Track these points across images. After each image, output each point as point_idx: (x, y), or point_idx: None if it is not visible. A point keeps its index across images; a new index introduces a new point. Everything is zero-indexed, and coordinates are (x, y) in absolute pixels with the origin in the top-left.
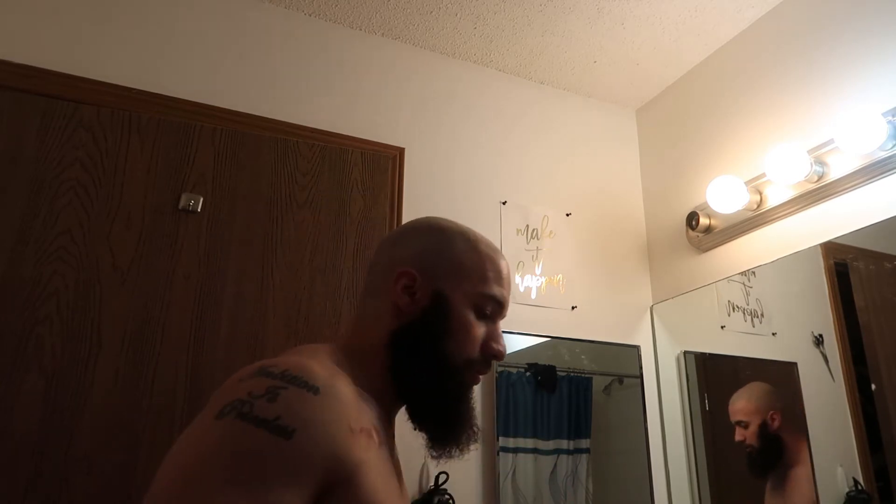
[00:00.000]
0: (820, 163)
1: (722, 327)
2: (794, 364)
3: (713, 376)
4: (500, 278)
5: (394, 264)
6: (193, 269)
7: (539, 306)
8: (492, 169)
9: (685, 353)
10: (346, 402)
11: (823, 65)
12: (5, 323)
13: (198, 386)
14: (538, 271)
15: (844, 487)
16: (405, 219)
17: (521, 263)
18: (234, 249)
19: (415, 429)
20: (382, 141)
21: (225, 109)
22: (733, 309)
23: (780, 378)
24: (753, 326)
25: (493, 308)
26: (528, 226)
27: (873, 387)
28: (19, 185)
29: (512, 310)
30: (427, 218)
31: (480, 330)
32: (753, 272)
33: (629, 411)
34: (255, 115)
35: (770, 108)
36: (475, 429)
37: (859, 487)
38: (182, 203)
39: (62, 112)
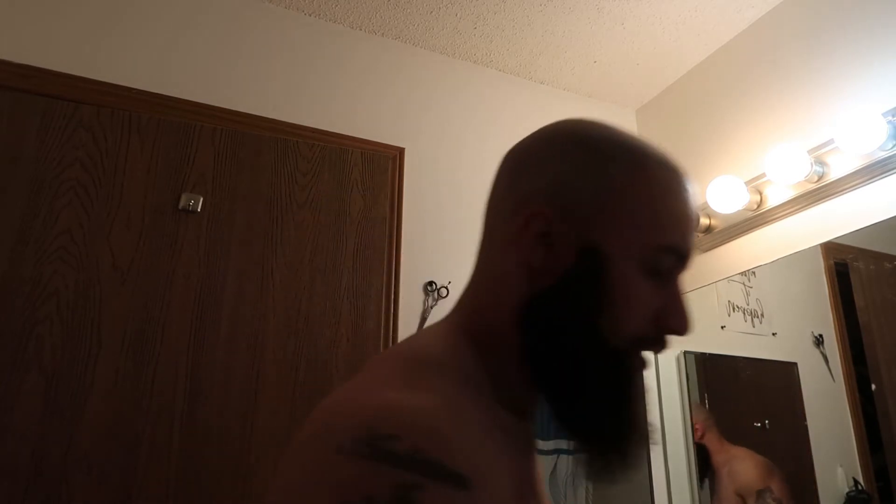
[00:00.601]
0: (820, 163)
1: (722, 327)
2: (794, 364)
3: (713, 376)
4: (684, 218)
5: (520, 200)
6: (193, 269)
7: None
8: (492, 169)
9: (685, 353)
10: (503, 473)
11: (823, 65)
12: (5, 323)
13: (198, 386)
14: None
15: (844, 487)
16: (405, 219)
17: None
18: (234, 249)
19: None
20: (382, 141)
21: (225, 109)
22: (733, 309)
23: (780, 378)
24: (753, 326)
25: (672, 264)
26: None
27: (873, 387)
28: (19, 185)
29: None
30: (569, 122)
31: (653, 295)
32: (753, 272)
33: None
34: (255, 115)
35: (770, 108)
36: (648, 432)
37: (859, 487)
38: (182, 203)
39: (62, 112)
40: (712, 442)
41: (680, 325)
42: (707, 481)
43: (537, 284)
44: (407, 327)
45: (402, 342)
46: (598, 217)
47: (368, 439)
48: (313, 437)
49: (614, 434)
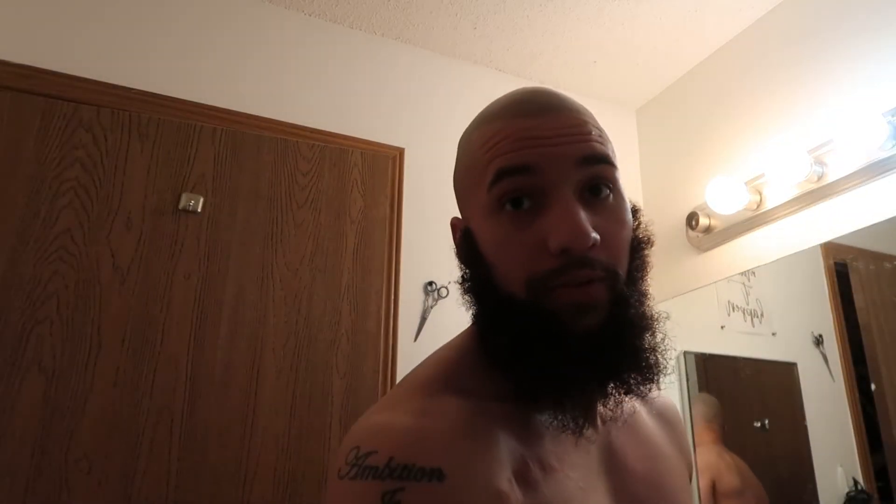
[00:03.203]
0: (820, 163)
1: (722, 327)
2: (794, 364)
3: (713, 376)
4: (503, 143)
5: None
6: (193, 269)
7: None
8: None
9: (685, 353)
10: (485, 458)
11: (823, 65)
12: (5, 323)
13: (198, 386)
14: None
15: (844, 487)
16: (405, 219)
17: None
18: (234, 249)
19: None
20: (382, 141)
21: (225, 109)
22: (733, 309)
23: (779, 378)
24: (753, 326)
25: (517, 187)
26: None
27: (873, 387)
28: (19, 185)
29: None
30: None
31: (524, 233)
32: (753, 272)
33: None
34: (255, 115)
35: (770, 108)
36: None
37: (859, 487)
38: (182, 203)
39: (62, 112)
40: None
41: (561, 237)
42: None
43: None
44: (407, 327)
45: (428, 358)
46: (463, 198)
47: (355, 460)
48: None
49: (562, 373)
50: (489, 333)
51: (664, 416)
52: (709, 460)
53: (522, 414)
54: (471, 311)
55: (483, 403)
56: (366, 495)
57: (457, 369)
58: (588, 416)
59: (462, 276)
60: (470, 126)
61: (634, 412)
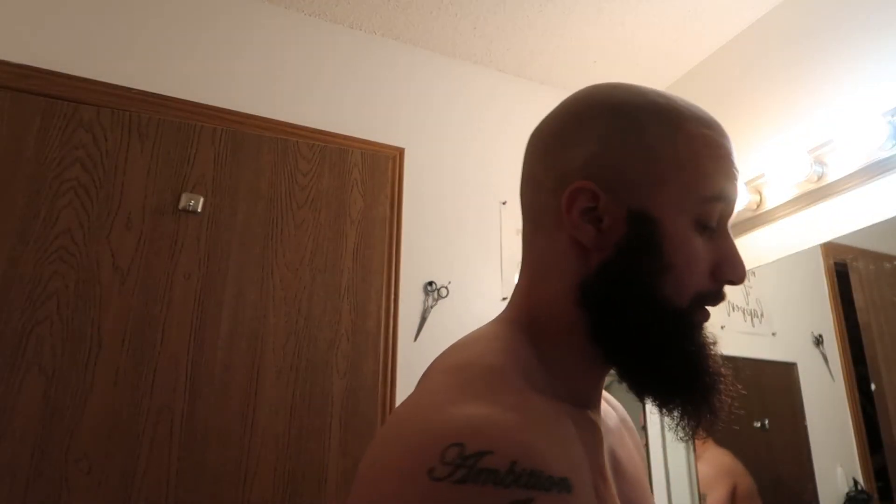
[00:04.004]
0: (820, 163)
1: (722, 327)
2: (794, 364)
3: None
4: (727, 165)
5: (558, 177)
6: (193, 269)
7: None
8: (492, 169)
9: None
10: (589, 469)
11: (823, 65)
12: (5, 323)
13: (198, 386)
14: None
15: (844, 487)
16: (405, 219)
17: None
18: (234, 249)
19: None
20: (382, 141)
21: (225, 109)
22: (733, 309)
23: (779, 378)
24: (753, 326)
25: (721, 211)
26: None
27: (873, 387)
28: (19, 185)
29: None
30: (594, 91)
31: (707, 250)
32: (753, 272)
33: (629, 411)
34: (255, 115)
35: (770, 109)
36: (723, 380)
37: (859, 487)
38: (182, 203)
39: (62, 112)
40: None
41: (736, 274)
42: None
43: (592, 262)
44: (407, 327)
45: (454, 350)
46: (642, 182)
47: (460, 459)
48: (394, 461)
49: (696, 386)
50: (632, 333)
51: (619, 413)
52: (725, 463)
53: (586, 420)
54: (592, 295)
55: (558, 404)
56: (485, 502)
57: (526, 363)
58: (597, 416)
59: (612, 259)
60: (669, 108)
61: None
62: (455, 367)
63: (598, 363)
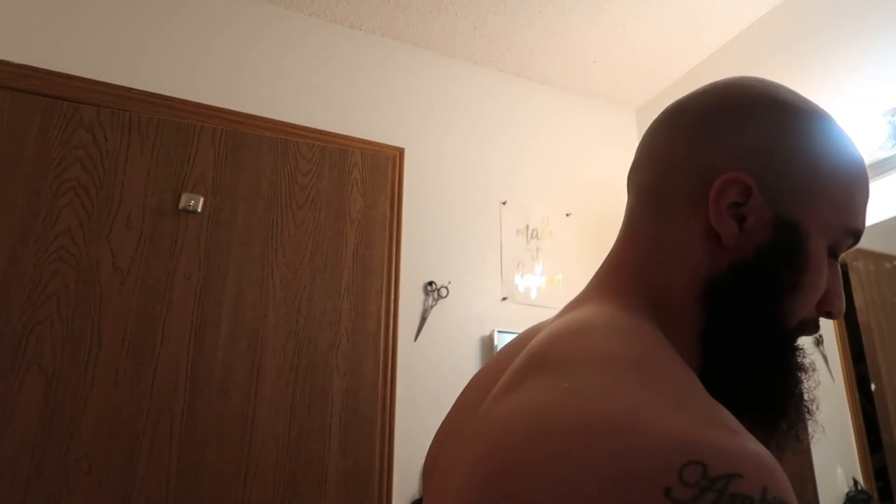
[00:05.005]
0: None
1: None
2: None
3: None
4: (866, 204)
5: (708, 164)
6: (193, 269)
7: (539, 306)
8: (492, 169)
9: None
10: None
11: (823, 65)
12: (5, 323)
13: (198, 386)
14: (538, 271)
15: (844, 487)
16: (405, 219)
17: (521, 263)
18: (234, 249)
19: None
20: (382, 141)
21: (225, 109)
22: None
23: None
24: None
25: (849, 247)
26: (528, 226)
27: (873, 387)
28: (19, 185)
29: (512, 310)
30: (752, 82)
31: (824, 281)
32: None
33: None
34: (255, 115)
35: None
36: (811, 408)
37: (859, 487)
38: (182, 203)
39: (62, 112)
40: None
41: (838, 308)
42: None
43: (723, 259)
44: (407, 327)
45: (588, 338)
46: (797, 191)
47: (705, 481)
48: (605, 467)
49: (787, 408)
50: (751, 339)
51: None
52: None
53: None
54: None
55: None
56: None
57: (690, 372)
58: None
59: (749, 261)
60: (831, 121)
61: None
62: (618, 359)
63: (699, 361)
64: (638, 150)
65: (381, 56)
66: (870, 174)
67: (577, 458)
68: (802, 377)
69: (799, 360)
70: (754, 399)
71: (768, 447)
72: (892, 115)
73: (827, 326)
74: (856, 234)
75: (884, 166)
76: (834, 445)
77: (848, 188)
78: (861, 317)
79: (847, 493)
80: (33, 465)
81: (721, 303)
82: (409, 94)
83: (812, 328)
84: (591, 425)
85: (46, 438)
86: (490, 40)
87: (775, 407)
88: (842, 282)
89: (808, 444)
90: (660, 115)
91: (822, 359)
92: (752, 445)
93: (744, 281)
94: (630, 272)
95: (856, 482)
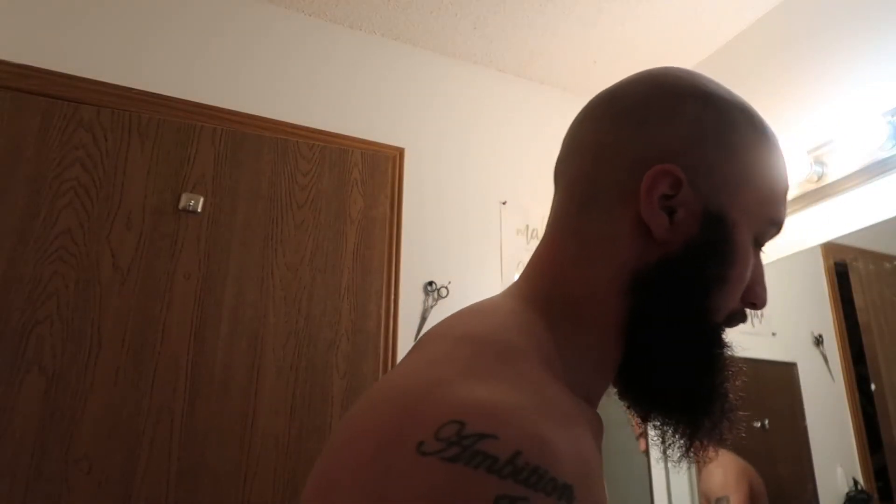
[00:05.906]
0: (820, 163)
1: None
2: (794, 364)
3: None
4: (786, 193)
5: (639, 154)
6: (193, 269)
7: None
8: (492, 169)
9: None
10: (599, 481)
11: (823, 65)
12: (5, 323)
13: (198, 386)
14: None
15: (844, 487)
16: (405, 219)
17: (521, 263)
18: (234, 249)
19: (628, 408)
20: (382, 141)
21: (225, 109)
22: None
23: (779, 378)
24: (753, 326)
25: (771, 237)
26: (528, 226)
27: (873, 387)
28: (19, 185)
29: None
30: (679, 69)
31: (748, 273)
32: None
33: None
34: (255, 115)
35: (770, 109)
36: (734, 409)
37: (859, 487)
38: (182, 203)
39: (62, 112)
40: None
41: (763, 298)
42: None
43: (653, 252)
44: (407, 327)
45: (464, 318)
46: (724, 183)
47: (458, 437)
48: (377, 425)
49: (711, 405)
50: (677, 334)
51: None
52: (739, 465)
53: (594, 418)
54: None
55: (578, 400)
56: (471, 487)
57: (546, 347)
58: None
59: (678, 254)
60: (754, 113)
61: None
62: (468, 338)
63: (616, 358)
64: (565, 140)
65: (381, 56)
66: (870, 174)
67: (364, 418)
68: (728, 374)
69: (725, 357)
70: (677, 395)
71: (691, 444)
72: (892, 115)
73: (827, 326)
74: (778, 224)
75: (884, 166)
76: (834, 445)
77: (771, 180)
78: (861, 317)
79: (847, 493)
80: (33, 465)
81: (647, 297)
82: (409, 94)
83: (739, 319)
84: (394, 387)
85: (46, 438)
86: (490, 40)
87: (699, 404)
88: (764, 273)
89: (737, 443)
90: (587, 104)
91: (822, 359)
92: (529, 414)
93: (673, 276)
94: (544, 264)
95: (856, 482)
